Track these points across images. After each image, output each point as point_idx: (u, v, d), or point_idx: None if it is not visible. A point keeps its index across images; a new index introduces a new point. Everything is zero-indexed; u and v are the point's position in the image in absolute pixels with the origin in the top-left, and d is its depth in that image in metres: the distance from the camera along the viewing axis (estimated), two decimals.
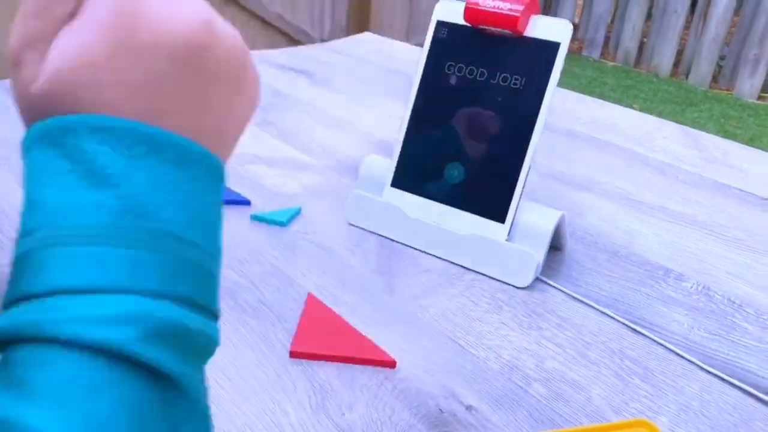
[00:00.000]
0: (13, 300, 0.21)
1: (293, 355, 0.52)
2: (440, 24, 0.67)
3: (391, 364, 0.51)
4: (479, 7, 0.63)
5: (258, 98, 0.28)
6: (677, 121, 3.34)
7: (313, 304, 0.57)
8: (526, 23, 0.62)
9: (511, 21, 0.61)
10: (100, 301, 0.20)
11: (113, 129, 0.22)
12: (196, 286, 0.22)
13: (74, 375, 0.20)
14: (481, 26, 0.64)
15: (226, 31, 0.25)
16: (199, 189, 0.23)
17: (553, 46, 0.61)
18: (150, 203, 0.21)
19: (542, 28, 0.62)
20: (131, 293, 0.21)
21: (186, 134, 0.23)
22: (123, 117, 0.22)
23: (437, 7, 0.67)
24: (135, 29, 0.22)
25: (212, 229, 0.24)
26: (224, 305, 0.57)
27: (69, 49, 0.22)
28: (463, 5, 0.64)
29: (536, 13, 0.62)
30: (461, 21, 0.65)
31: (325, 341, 0.53)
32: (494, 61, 0.64)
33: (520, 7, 0.61)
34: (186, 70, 0.23)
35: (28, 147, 0.23)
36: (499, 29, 0.63)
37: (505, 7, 0.61)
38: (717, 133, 3.10)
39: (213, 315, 0.24)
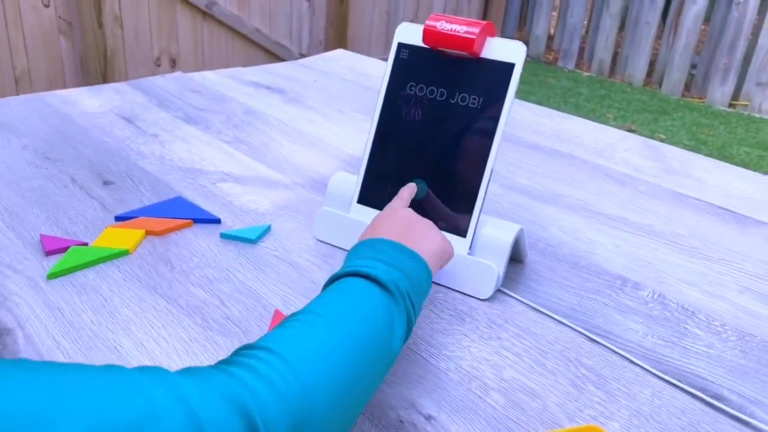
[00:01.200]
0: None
1: None
2: (401, 46, 0.69)
3: None
4: (437, 30, 0.65)
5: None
6: (651, 130, 3.39)
7: (279, 320, 0.59)
8: (482, 45, 0.64)
9: (467, 43, 0.63)
10: (376, 268, 0.49)
11: (393, 242, 0.53)
12: (414, 297, 0.50)
13: (356, 289, 0.48)
14: (439, 48, 0.66)
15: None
16: (420, 270, 0.52)
17: (508, 67, 0.64)
18: (403, 263, 0.51)
19: (498, 49, 0.64)
20: (389, 278, 0.49)
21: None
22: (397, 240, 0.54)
23: (398, 29, 0.69)
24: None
25: (424, 289, 0.52)
26: (192, 323, 0.59)
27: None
28: (422, 28, 0.67)
29: (492, 36, 0.65)
30: (421, 43, 0.67)
31: None
32: (453, 82, 0.66)
33: (476, 30, 0.63)
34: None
35: (356, 246, 0.55)
36: (456, 51, 0.65)
37: (462, 30, 0.64)
38: (689, 140, 3.16)
39: (411, 324, 0.49)
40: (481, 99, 0.65)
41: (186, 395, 0.33)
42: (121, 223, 0.74)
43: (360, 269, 0.49)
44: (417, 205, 0.68)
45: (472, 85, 0.65)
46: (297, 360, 0.38)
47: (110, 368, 0.33)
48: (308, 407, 0.37)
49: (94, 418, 0.29)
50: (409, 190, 0.65)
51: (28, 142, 0.94)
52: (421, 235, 0.56)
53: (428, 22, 0.66)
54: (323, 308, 0.45)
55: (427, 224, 0.58)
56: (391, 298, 0.47)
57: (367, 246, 0.52)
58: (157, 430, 0.30)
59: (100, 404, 0.30)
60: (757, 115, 3.63)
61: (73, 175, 0.85)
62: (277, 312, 0.60)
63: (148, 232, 0.72)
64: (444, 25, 0.65)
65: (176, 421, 0.31)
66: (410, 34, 0.68)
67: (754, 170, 1.00)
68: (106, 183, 0.84)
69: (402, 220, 0.57)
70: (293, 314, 0.45)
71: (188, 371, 0.36)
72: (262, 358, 0.38)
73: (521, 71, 0.63)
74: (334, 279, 0.49)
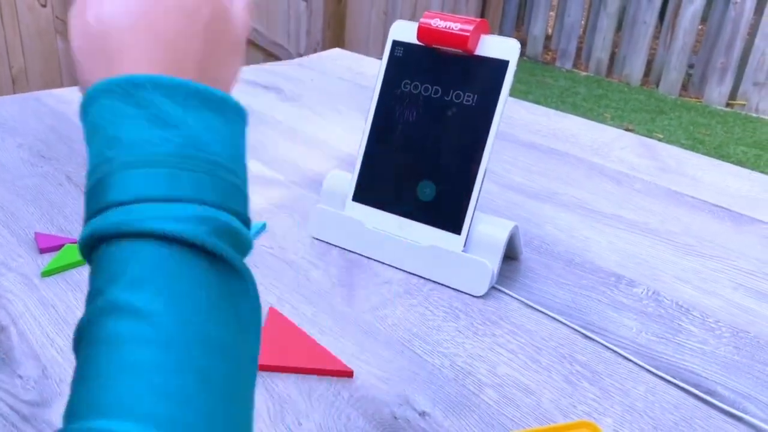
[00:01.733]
0: (98, 210, 0.27)
1: None
2: (396, 43, 0.69)
3: (348, 374, 0.53)
4: (431, 27, 0.65)
5: (243, 60, 0.35)
6: (648, 129, 3.40)
7: (274, 318, 0.59)
8: (477, 42, 0.64)
9: (461, 40, 0.64)
10: (175, 207, 0.27)
11: (172, 85, 0.28)
12: (238, 203, 0.29)
13: (160, 262, 0.26)
14: (434, 45, 0.66)
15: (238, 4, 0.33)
16: (235, 131, 0.30)
17: (503, 65, 0.64)
18: (203, 140, 0.28)
19: (492, 47, 0.64)
20: (199, 203, 0.27)
21: (217, 87, 0.30)
22: (173, 75, 0.29)
23: (393, 27, 0.69)
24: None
25: (244, 160, 0.31)
26: None
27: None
28: (416, 25, 0.67)
29: (486, 33, 0.65)
30: (415, 40, 0.67)
31: (284, 353, 0.54)
32: (447, 79, 0.66)
33: (470, 28, 0.63)
34: (209, 35, 0.31)
35: (95, 97, 0.29)
36: (450, 48, 0.65)
37: (456, 27, 0.64)
38: (687, 140, 3.17)
39: (248, 224, 0.30)
40: (476, 96, 0.65)
41: None
42: None
43: (144, 224, 0.26)
44: (411, 202, 0.68)
45: (467, 83, 0.65)
46: None
47: None
48: None
49: None
50: None
51: (23, 140, 0.94)
52: (229, 43, 0.33)
53: (422, 20, 0.66)
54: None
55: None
56: (219, 266, 0.28)
57: (125, 104, 0.28)
58: None
59: None
60: (754, 115, 3.64)
61: (68, 173, 0.85)
62: (271, 309, 0.60)
63: None
64: (438, 23, 0.65)
65: None
66: (405, 31, 0.69)
67: (751, 169, 1.00)
68: None
69: (197, 12, 0.31)
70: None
71: None
72: None
73: (516, 68, 0.64)
74: (94, 238, 0.27)
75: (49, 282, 0.63)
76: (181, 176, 0.27)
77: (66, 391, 0.49)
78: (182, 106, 0.28)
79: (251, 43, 3.30)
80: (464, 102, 0.65)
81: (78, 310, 0.59)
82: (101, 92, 0.29)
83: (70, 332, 0.56)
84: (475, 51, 0.65)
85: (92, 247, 0.28)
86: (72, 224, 0.73)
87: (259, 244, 0.72)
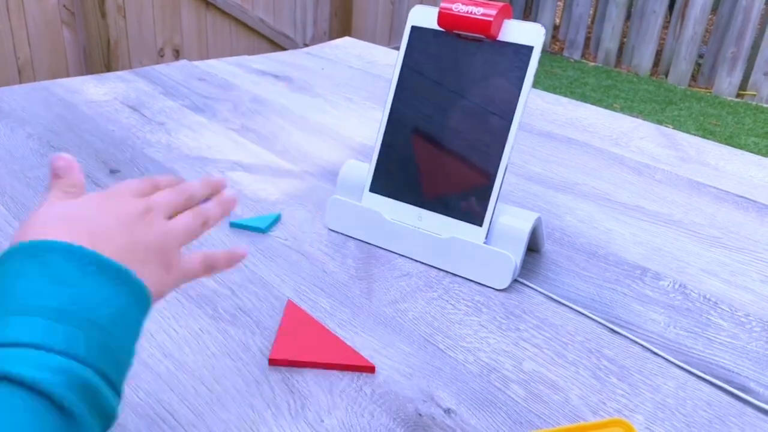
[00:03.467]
0: None
1: (272, 362, 0.52)
2: (415, 29, 0.67)
3: (370, 370, 0.51)
4: (453, 12, 0.63)
5: (174, 285, 0.38)
6: (658, 120, 3.38)
7: (292, 311, 0.57)
8: (499, 28, 0.62)
9: (484, 26, 0.62)
10: (43, 355, 0.28)
11: (74, 250, 0.32)
12: (110, 366, 0.31)
13: (6, 399, 0.27)
14: (455, 31, 0.64)
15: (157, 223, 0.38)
16: (127, 303, 0.33)
17: (527, 50, 0.62)
18: (91, 302, 0.31)
19: (515, 32, 0.62)
20: (66, 356, 0.29)
21: (128, 266, 0.33)
22: (83, 245, 0.32)
23: (412, 12, 0.67)
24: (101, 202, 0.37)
25: (131, 333, 0.33)
26: (203, 313, 0.57)
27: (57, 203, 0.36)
28: (437, 11, 0.65)
29: (509, 18, 0.63)
30: (435, 26, 0.65)
31: (303, 348, 0.53)
32: (469, 66, 0.64)
33: (493, 12, 0.61)
34: (136, 238, 0.35)
35: (7, 256, 0.32)
36: (472, 34, 0.63)
37: (478, 12, 0.62)
38: (696, 131, 3.14)
39: (118, 393, 0.31)
40: (499, 83, 0.63)
41: None
42: None
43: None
44: (431, 193, 0.66)
45: (489, 69, 0.63)
46: None
47: None
48: None
49: None
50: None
51: (33, 130, 0.93)
52: (147, 237, 0.36)
53: (443, 4, 0.64)
54: None
55: (159, 218, 0.38)
56: (62, 420, 0.28)
57: (31, 261, 0.31)
58: None
59: None
60: (765, 105, 3.60)
61: (78, 164, 0.83)
62: (289, 302, 0.59)
63: None
64: (460, 7, 0.63)
65: None
66: (424, 17, 0.67)
67: None
68: (112, 171, 0.83)
69: (123, 207, 0.36)
70: None
71: None
72: None
73: (540, 54, 0.62)
74: None
75: None
76: (59, 329, 0.29)
77: None
78: (80, 270, 0.31)
79: (256, 32, 3.28)
80: (487, 89, 0.63)
81: None
82: (14, 252, 0.32)
83: None
84: (498, 36, 0.63)
85: None
86: None
87: (274, 235, 0.70)
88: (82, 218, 0.34)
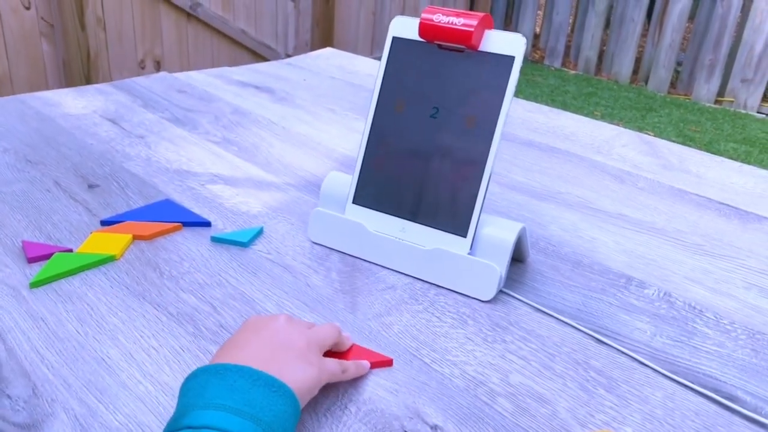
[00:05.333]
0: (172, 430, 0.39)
1: None
2: (396, 40, 0.67)
3: (388, 363, 0.54)
4: (433, 23, 0.63)
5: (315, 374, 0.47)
6: (638, 127, 3.41)
7: None
8: (480, 38, 0.62)
9: (465, 36, 0.61)
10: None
11: (245, 370, 0.42)
12: None
13: None
14: (436, 42, 0.64)
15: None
16: (284, 408, 0.42)
17: (508, 60, 0.62)
18: (258, 405, 0.41)
19: (496, 42, 0.62)
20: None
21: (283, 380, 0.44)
22: (253, 366, 0.43)
23: (393, 23, 0.67)
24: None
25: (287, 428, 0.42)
26: (184, 331, 0.56)
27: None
28: (418, 21, 0.64)
29: (490, 28, 0.63)
30: (417, 37, 0.65)
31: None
32: (450, 76, 0.64)
33: (474, 23, 0.61)
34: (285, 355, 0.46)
35: (197, 373, 0.42)
36: (453, 44, 0.63)
37: (459, 23, 0.62)
38: (677, 137, 3.17)
39: None
40: (480, 94, 0.62)
41: None
42: (107, 227, 0.71)
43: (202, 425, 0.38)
44: (414, 204, 0.65)
45: (471, 80, 0.63)
46: None
47: None
48: None
49: None
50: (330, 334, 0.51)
51: (9, 145, 0.91)
52: (298, 359, 0.46)
53: (424, 15, 0.64)
54: None
55: (310, 346, 0.48)
56: None
57: (214, 377, 0.42)
58: None
59: None
60: (743, 111, 3.65)
61: (56, 179, 0.82)
62: None
63: (135, 237, 0.69)
64: (440, 18, 0.63)
65: None
66: (405, 27, 0.66)
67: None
68: (90, 186, 0.81)
69: (274, 335, 0.47)
70: None
71: None
72: None
73: (521, 64, 0.61)
74: None
75: (38, 293, 0.60)
76: (233, 419, 0.39)
77: (58, 411, 0.47)
78: (250, 383, 0.41)
79: (237, 43, 3.27)
80: (468, 100, 0.63)
81: (69, 323, 0.56)
82: (202, 371, 0.43)
83: (61, 347, 0.53)
84: (479, 47, 0.62)
85: None
86: (61, 232, 0.70)
87: (256, 249, 0.69)
88: (266, 347, 0.46)
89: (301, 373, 0.45)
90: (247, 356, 0.44)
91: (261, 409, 0.40)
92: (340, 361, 0.50)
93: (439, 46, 0.64)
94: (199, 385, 0.41)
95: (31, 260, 0.64)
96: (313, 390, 0.46)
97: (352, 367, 0.51)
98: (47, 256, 0.65)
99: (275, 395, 0.42)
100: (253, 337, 0.47)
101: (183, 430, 0.38)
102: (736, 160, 2.94)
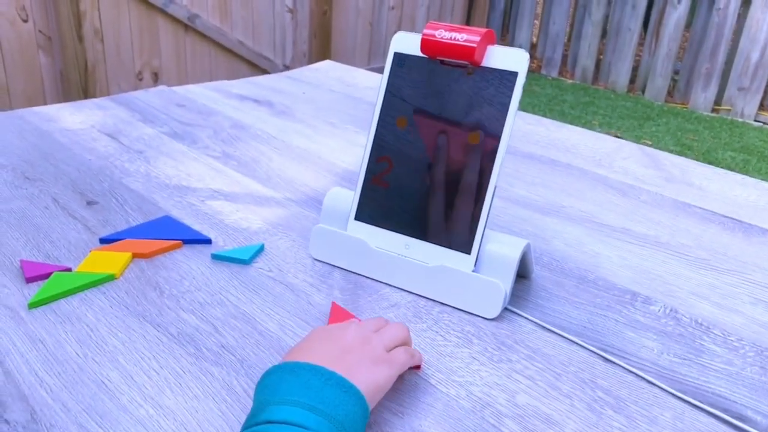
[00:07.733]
0: (250, 425, 0.41)
1: None
2: (397, 55, 0.66)
3: (417, 368, 0.54)
4: (436, 39, 0.62)
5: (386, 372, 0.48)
6: (636, 136, 3.41)
7: (338, 313, 0.56)
8: (483, 54, 0.62)
9: (467, 52, 0.61)
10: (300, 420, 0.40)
11: (317, 369, 0.44)
12: None
13: None
14: (438, 58, 0.63)
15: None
16: (354, 407, 0.43)
17: (511, 76, 0.61)
18: (331, 403, 0.42)
19: (499, 58, 0.62)
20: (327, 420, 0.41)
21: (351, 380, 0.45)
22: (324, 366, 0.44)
23: (394, 39, 0.67)
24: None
25: (357, 429, 0.43)
26: (185, 352, 0.55)
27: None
28: (419, 37, 0.64)
29: (492, 44, 0.62)
30: (418, 53, 0.64)
31: None
32: (453, 92, 0.63)
33: (477, 38, 0.61)
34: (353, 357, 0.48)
35: (272, 371, 0.44)
36: (456, 60, 0.62)
37: (462, 39, 0.61)
38: (675, 146, 3.17)
39: None
40: (484, 109, 0.62)
41: None
42: (106, 245, 0.70)
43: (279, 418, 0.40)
44: (417, 220, 0.65)
45: (474, 96, 0.62)
46: None
47: None
48: None
49: None
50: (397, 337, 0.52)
51: (6, 161, 0.90)
52: (365, 362, 0.47)
53: (426, 31, 0.63)
54: None
55: (375, 348, 0.49)
56: None
57: (288, 374, 0.43)
58: None
59: None
60: (739, 120, 3.66)
61: (54, 196, 0.81)
62: (334, 304, 0.61)
63: (135, 255, 0.69)
64: (443, 34, 0.62)
65: None
66: (407, 43, 0.66)
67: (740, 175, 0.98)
68: (89, 203, 0.80)
69: (340, 339, 0.48)
70: None
71: None
72: None
73: (525, 80, 0.61)
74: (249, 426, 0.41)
75: (37, 314, 0.59)
76: (309, 415, 0.40)
77: None
78: (322, 382, 0.43)
79: (235, 55, 3.27)
80: (471, 115, 0.62)
81: (68, 344, 0.55)
82: (277, 368, 0.45)
83: (60, 369, 0.52)
84: (482, 62, 0.62)
85: None
86: (60, 250, 0.69)
87: (257, 267, 0.69)
88: (333, 351, 0.47)
89: (370, 375, 0.46)
90: (315, 359, 0.45)
91: (334, 407, 0.42)
92: (406, 348, 0.51)
93: (442, 61, 0.64)
94: (274, 382, 0.43)
95: (30, 280, 0.63)
96: (385, 388, 0.47)
97: (417, 351, 0.53)
98: (46, 276, 0.64)
99: (346, 395, 0.43)
100: (318, 343, 0.48)
101: (263, 425, 0.39)
102: (734, 168, 2.94)
